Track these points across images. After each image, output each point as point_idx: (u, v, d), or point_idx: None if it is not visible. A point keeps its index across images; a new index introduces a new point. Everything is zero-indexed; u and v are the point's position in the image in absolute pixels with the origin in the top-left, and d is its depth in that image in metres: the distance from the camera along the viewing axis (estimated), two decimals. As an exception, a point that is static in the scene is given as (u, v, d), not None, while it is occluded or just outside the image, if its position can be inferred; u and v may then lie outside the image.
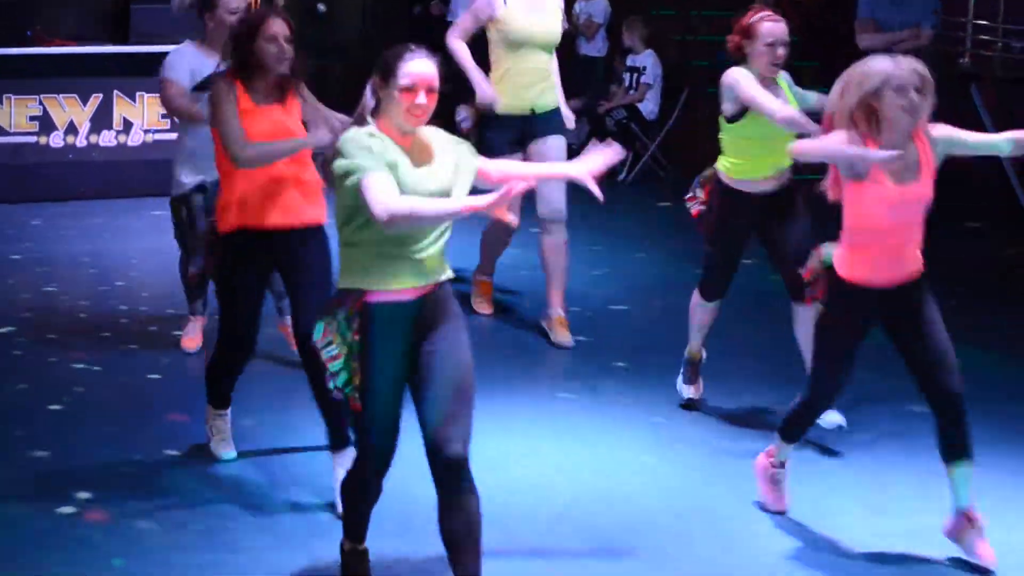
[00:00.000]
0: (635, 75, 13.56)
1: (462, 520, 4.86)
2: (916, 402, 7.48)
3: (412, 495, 5.79)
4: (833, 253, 5.70)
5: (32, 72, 11.53)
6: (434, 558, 5.53)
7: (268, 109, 6.10)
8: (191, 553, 5.60)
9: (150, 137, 11.94)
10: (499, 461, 6.52)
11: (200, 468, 6.43)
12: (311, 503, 6.08)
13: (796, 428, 6.00)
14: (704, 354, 7.36)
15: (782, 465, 6.08)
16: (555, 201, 8.44)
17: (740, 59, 6.87)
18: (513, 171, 5.14)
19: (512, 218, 6.42)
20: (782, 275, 7.01)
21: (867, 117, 5.45)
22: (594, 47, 14.54)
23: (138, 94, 11.68)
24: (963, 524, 5.72)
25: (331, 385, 4.94)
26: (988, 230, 11.31)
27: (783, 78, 6.98)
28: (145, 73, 11.49)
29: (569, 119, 8.56)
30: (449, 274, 5.02)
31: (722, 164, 7.01)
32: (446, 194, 4.88)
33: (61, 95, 11.60)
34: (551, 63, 8.47)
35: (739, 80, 6.76)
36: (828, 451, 6.78)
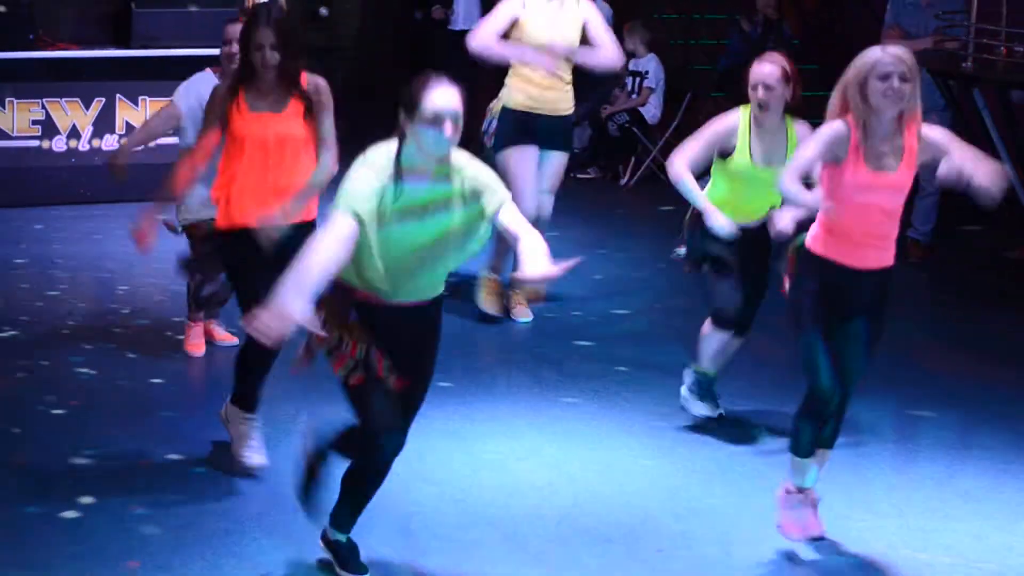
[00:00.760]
0: (637, 79, 13.56)
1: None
2: (916, 407, 7.55)
3: (412, 495, 5.81)
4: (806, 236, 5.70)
5: (34, 76, 11.51)
6: (434, 559, 5.55)
7: (261, 116, 6.21)
8: (193, 555, 5.61)
9: (153, 141, 11.91)
10: (501, 463, 6.54)
11: (202, 471, 6.44)
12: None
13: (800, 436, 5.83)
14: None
15: (799, 491, 5.83)
16: (544, 210, 8.66)
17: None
18: (512, 230, 5.07)
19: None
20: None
21: (858, 104, 5.45)
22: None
23: (140, 98, 11.65)
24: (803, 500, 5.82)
25: (340, 373, 5.10)
26: (988, 231, 11.31)
27: (795, 126, 6.76)
28: (148, 77, 11.53)
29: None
30: (440, 290, 5.21)
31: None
32: (447, 227, 5.00)
33: (64, 99, 11.58)
34: (567, 70, 8.60)
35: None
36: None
